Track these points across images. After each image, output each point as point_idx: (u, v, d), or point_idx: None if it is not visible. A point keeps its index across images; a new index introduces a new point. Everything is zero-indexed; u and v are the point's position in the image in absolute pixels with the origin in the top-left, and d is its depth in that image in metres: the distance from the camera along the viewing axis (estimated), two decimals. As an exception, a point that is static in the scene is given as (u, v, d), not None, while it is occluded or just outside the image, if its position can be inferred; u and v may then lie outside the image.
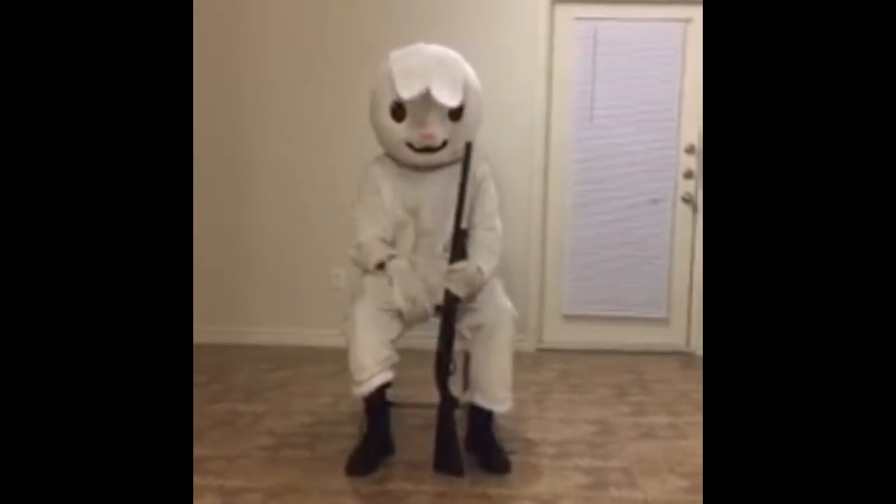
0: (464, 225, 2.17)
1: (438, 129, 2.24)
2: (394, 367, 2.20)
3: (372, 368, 2.13)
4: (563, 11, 3.60)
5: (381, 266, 2.24)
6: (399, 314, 2.20)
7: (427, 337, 2.37)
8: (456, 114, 2.26)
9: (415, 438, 2.46)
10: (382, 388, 2.22)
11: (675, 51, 3.60)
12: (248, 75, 3.66)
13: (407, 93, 2.16)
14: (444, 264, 2.23)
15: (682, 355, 3.70)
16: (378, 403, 2.26)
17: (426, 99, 2.17)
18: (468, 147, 2.16)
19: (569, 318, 3.81)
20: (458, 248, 2.16)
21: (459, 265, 2.15)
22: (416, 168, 2.35)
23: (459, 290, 2.15)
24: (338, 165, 3.62)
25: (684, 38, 3.58)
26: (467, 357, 2.27)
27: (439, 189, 2.32)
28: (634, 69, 3.62)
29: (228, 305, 3.80)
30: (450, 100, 2.18)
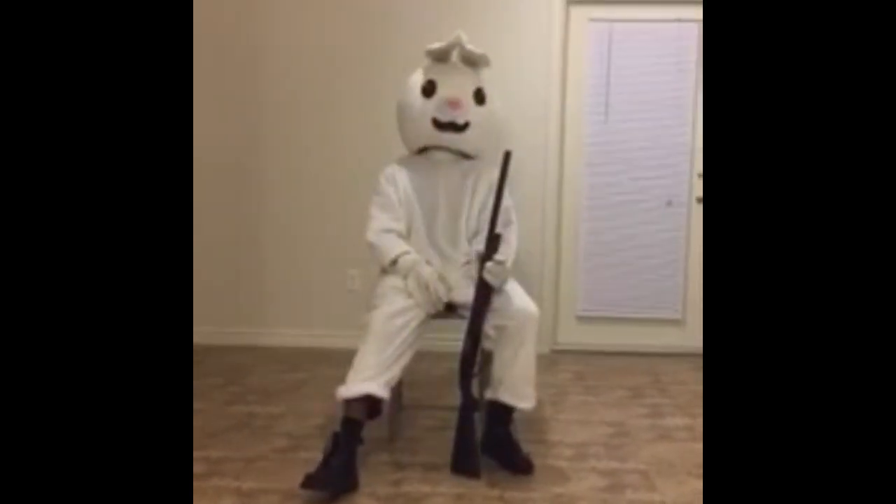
0: (498, 230, 2.19)
1: (464, 101, 2.35)
2: (389, 387, 2.13)
3: (366, 373, 2.09)
4: (578, 13, 3.60)
5: (395, 262, 2.32)
6: (417, 309, 2.22)
7: (441, 339, 2.38)
8: (480, 98, 2.38)
9: (429, 440, 2.47)
10: (364, 413, 2.13)
11: (690, 52, 3.59)
12: (264, 78, 3.68)
13: (436, 45, 2.33)
14: (457, 257, 2.35)
15: (698, 357, 3.68)
16: (352, 426, 2.11)
17: (454, 71, 2.37)
18: (507, 156, 2.20)
19: (583, 319, 3.80)
20: (492, 252, 2.18)
21: (500, 257, 2.19)
22: (432, 161, 2.42)
23: (495, 281, 2.17)
24: (353, 168, 3.63)
25: (699, 38, 3.57)
26: (485, 357, 2.28)
27: (454, 184, 2.42)
28: (649, 70, 3.61)
29: (244, 307, 3.82)
30: (478, 49, 2.34)
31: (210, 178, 3.68)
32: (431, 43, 2.36)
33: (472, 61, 2.38)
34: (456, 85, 2.35)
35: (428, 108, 2.35)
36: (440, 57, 2.37)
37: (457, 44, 2.32)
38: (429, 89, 2.36)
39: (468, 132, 2.37)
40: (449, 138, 2.38)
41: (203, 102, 3.55)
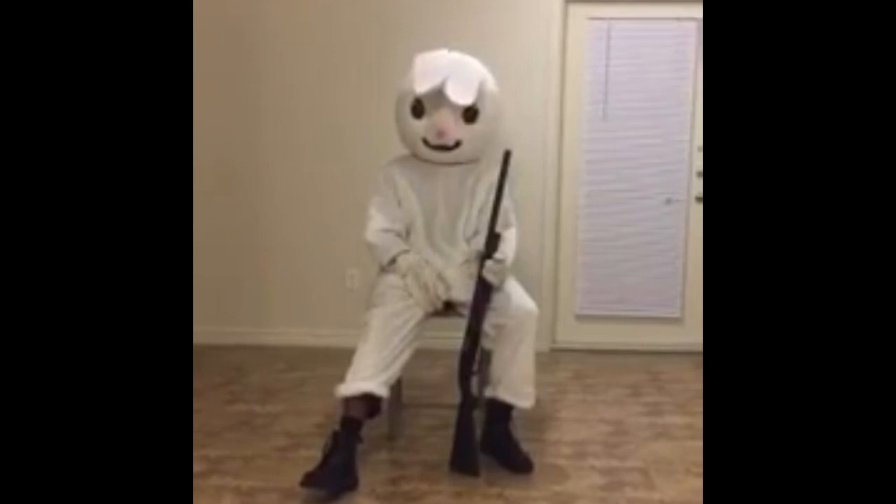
0: (498, 229, 2.19)
1: (452, 128, 2.28)
2: (389, 385, 2.16)
3: (365, 372, 2.11)
4: (577, 11, 3.59)
5: (393, 261, 2.32)
6: (416, 308, 2.23)
7: (441, 337, 2.37)
8: (471, 116, 2.31)
9: (429, 439, 2.48)
10: (364, 411, 2.15)
11: (689, 50, 3.59)
12: (264, 78, 3.68)
13: (421, 87, 2.24)
14: (456, 257, 2.34)
15: (697, 355, 3.67)
16: (352, 424, 2.12)
17: (441, 97, 2.24)
18: (507, 155, 2.19)
19: (582, 317, 3.80)
20: (492, 250, 2.18)
21: (499, 255, 2.19)
22: (432, 163, 2.40)
23: (495, 280, 2.17)
24: (353, 167, 3.63)
25: (698, 36, 3.57)
26: (483, 356, 2.28)
27: (453, 185, 2.41)
28: (648, 68, 3.61)
29: (244, 306, 3.82)
30: (461, 98, 2.24)
31: (210, 178, 3.67)
32: (431, 42, 2.35)
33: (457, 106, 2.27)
34: (443, 109, 2.27)
35: (418, 129, 2.33)
36: (429, 96, 2.27)
37: (440, 89, 2.23)
38: (417, 109, 2.31)
39: (460, 149, 2.34)
40: (441, 156, 2.36)
41: (203, 102, 3.55)
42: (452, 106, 2.26)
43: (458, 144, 2.33)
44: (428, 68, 2.26)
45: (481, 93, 2.30)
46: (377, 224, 2.37)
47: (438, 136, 2.29)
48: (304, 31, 3.65)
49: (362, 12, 3.61)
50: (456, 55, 2.34)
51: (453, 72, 2.25)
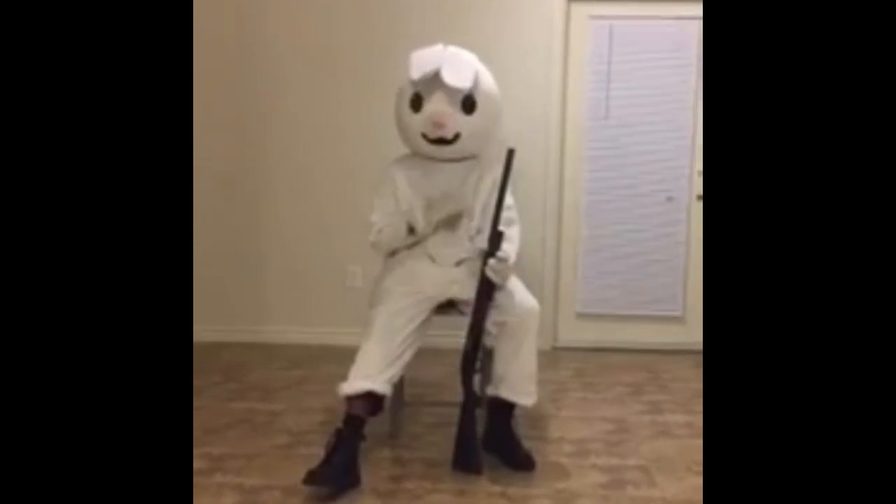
0: (501, 227, 2.18)
1: (449, 117, 2.26)
2: (391, 384, 2.17)
3: (368, 370, 2.12)
4: (579, 10, 3.60)
5: (412, 231, 2.32)
6: (419, 306, 2.22)
7: (443, 335, 2.37)
8: (468, 107, 2.29)
9: (430, 437, 2.48)
10: (366, 409, 2.15)
11: (691, 48, 3.59)
12: (264, 75, 3.68)
13: (417, 74, 2.22)
14: (458, 255, 2.31)
15: (698, 353, 3.68)
16: (354, 422, 2.13)
17: (437, 84, 2.22)
18: (510, 153, 2.18)
19: (583, 316, 3.81)
20: (494, 248, 2.17)
21: (502, 254, 2.18)
22: (433, 160, 2.39)
23: (497, 278, 2.16)
24: (353, 164, 3.63)
25: (699, 35, 3.57)
26: (486, 354, 2.28)
27: (455, 181, 2.38)
28: (650, 67, 3.61)
29: (245, 305, 3.82)
30: (457, 81, 2.21)
31: (210, 176, 3.68)
32: (432, 42, 2.33)
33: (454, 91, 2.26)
34: (441, 99, 2.25)
35: (417, 123, 2.30)
36: (423, 82, 2.27)
37: (435, 74, 2.21)
38: (416, 102, 2.30)
39: (460, 142, 2.32)
40: (441, 150, 2.34)
41: (203, 102, 3.55)
42: (449, 93, 2.24)
43: (457, 137, 2.31)
44: (423, 59, 2.25)
45: (477, 83, 2.28)
46: (377, 227, 2.36)
47: (437, 127, 2.27)
48: (304, 31, 3.65)
49: (362, 12, 3.61)
50: (452, 48, 2.31)
51: (448, 59, 2.24)
